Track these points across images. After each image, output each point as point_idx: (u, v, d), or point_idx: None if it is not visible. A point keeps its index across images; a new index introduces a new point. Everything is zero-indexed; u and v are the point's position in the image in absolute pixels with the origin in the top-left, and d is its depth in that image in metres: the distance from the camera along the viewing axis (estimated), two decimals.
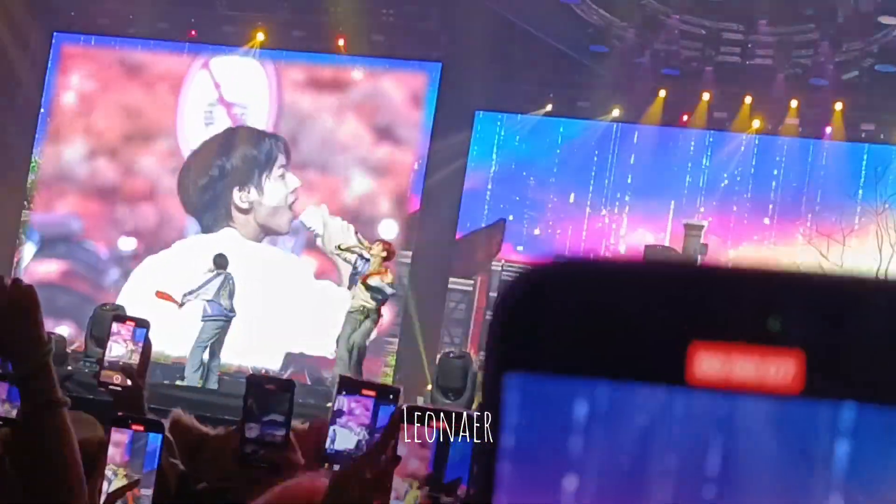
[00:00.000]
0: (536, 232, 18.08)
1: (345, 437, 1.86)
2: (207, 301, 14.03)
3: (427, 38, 17.23)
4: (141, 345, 2.86)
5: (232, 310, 14.10)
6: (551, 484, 0.53)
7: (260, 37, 17.91)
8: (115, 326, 2.94)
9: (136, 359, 2.84)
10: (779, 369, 0.52)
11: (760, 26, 16.40)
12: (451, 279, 18.04)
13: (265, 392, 1.98)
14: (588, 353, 0.53)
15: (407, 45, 17.33)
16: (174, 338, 14.24)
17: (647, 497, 0.53)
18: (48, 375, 2.10)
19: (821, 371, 0.52)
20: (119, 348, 2.89)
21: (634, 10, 16.55)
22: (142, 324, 2.92)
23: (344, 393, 1.85)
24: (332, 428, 1.86)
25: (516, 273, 0.54)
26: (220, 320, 14.00)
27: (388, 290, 13.57)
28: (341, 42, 17.59)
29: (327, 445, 1.85)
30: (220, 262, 14.46)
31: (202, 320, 14.00)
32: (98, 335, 11.24)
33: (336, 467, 1.83)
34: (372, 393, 1.85)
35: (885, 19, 15.23)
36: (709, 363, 0.52)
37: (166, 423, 2.21)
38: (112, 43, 18.78)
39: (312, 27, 17.65)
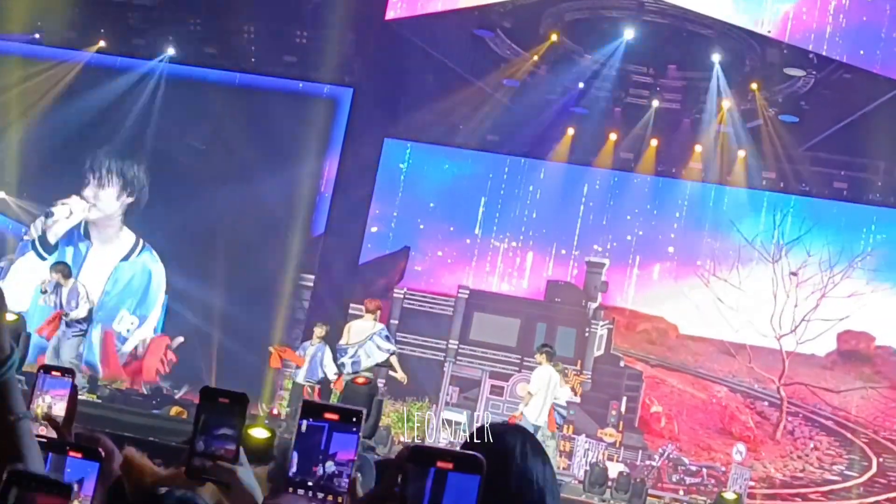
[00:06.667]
0: (439, 259, 18.12)
1: (307, 463, 1.82)
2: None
3: (340, 63, 17.09)
4: (68, 394, 2.77)
5: None
6: None
7: (170, 51, 17.67)
8: (41, 377, 2.82)
9: (61, 410, 2.73)
10: None
11: (670, 71, 16.66)
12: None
13: (218, 406, 1.95)
14: None
15: (320, 68, 17.17)
16: None
17: None
18: (8, 392, 1.92)
19: None
20: (46, 399, 2.77)
21: (548, 48, 16.67)
22: (68, 373, 2.82)
23: (308, 418, 1.82)
24: (294, 452, 1.83)
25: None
26: None
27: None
28: (253, 60, 17.46)
29: (291, 472, 1.82)
30: None
31: None
32: None
33: (300, 492, 1.80)
34: (335, 416, 1.82)
35: (790, 71, 15.55)
36: None
37: (117, 459, 2.13)
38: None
39: (224, 45, 17.46)
